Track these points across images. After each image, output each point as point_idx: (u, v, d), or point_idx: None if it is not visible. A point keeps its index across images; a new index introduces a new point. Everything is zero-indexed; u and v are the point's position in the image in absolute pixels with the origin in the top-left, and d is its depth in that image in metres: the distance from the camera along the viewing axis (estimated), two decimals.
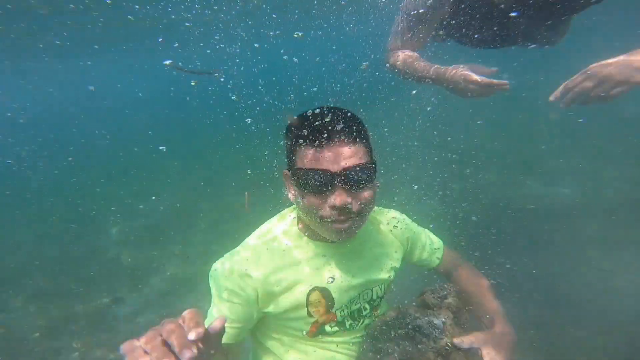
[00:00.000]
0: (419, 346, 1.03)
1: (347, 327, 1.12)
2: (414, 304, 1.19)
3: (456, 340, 1.02)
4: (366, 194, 0.92)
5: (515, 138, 5.85)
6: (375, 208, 1.21)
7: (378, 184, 0.98)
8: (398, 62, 1.71)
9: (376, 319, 1.17)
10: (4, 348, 3.09)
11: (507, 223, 3.52)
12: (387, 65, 1.80)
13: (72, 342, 3.09)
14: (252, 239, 1.11)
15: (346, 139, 0.88)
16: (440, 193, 4.14)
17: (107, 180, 7.30)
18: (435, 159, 4.63)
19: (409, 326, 1.07)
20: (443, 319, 1.07)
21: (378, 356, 1.06)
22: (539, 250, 3.15)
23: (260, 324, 1.13)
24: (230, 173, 6.09)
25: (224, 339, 0.93)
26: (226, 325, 0.84)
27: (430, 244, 1.28)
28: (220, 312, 1.02)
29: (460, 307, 1.15)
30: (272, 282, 1.02)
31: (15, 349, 3.08)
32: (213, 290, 1.06)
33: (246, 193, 4.35)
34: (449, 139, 5.28)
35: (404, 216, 1.27)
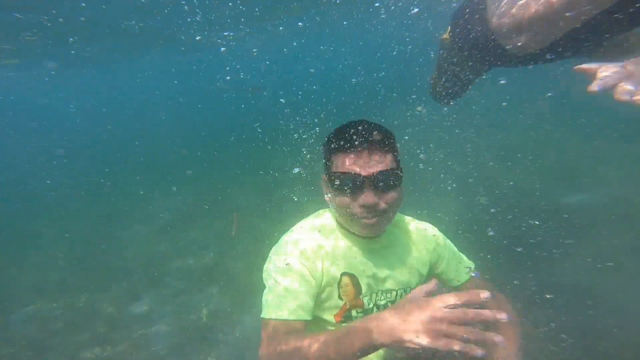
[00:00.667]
0: (453, 354, 1.04)
1: None
2: None
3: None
4: (392, 195, 1.05)
5: (546, 143, 5.68)
6: (410, 219, 1.34)
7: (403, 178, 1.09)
8: (523, 18, 1.23)
9: None
10: (25, 343, 3.17)
11: (535, 230, 3.45)
12: (509, 40, 1.34)
13: (93, 338, 3.16)
14: (297, 228, 1.25)
15: (376, 148, 1.03)
16: (468, 198, 4.07)
17: (128, 181, 7.46)
18: (471, 159, 4.56)
19: None
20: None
21: (406, 356, 1.08)
22: (566, 258, 3.05)
23: None
24: (246, 175, 6.15)
25: (292, 316, 1.03)
26: (295, 302, 1.04)
27: (458, 263, 1.32)
28: (286, 287, 1.08)
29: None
30: (315, 264, 1.15)
31: (39, 343, 3.16)
32: (272, 273, 1.14)
33: (234, 215, 4.30)
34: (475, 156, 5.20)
35: (437, 230, 1.35)
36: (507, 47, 1.42)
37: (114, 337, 3.13)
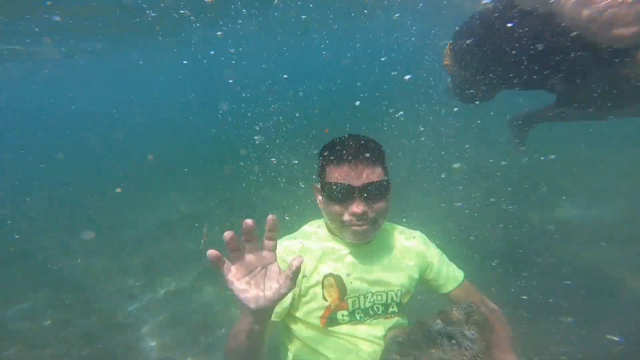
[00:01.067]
0: (450, 354, 1.04)
1: (358, 318, 1.24)
2: (437, 320, 1.18)
3: None
4: (380, 205, 1.14)
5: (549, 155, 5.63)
6: (400, 227, 1.40)
7: (392, 183, 1.18)
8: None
9: (397, 329, 1.22)
10: (18, 339, 3.15)
11: (533, 243, 3.44)
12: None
13: (85, 335, 3.13)
14: (290, 236, 1.36)
15: (367, 161, 1.11)
16: (467, 211, 4.04)
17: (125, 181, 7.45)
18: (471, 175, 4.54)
19: (439, 335, 1.08)
20: (473, 332, 1.09)
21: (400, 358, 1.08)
22: (564, 270, 3.02)
23: (286, 319, 1.29)
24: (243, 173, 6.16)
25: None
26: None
27: (448, 269, 1.36)
28: None
29: (485, 326, 1.15)
30: (304, 265, 1.21)
31: (31, 340, 3.14)
32: None
33: (205, 225, 4.17)
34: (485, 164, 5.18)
35: (426, 237, 1.41)
36: (602, 40, 1.38)
37: (106, 335, 3.10)
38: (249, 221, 0.84)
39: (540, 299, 2.59)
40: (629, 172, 4.61)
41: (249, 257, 0.88)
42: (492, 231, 3.58)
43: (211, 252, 0.83)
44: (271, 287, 0.87)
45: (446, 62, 2.24)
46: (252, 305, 0.85)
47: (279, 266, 0.90)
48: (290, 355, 1.29)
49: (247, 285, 0.86)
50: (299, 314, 1.24)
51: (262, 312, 0.88)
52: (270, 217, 0.87)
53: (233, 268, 0.87)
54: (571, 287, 2.77)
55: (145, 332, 3.13)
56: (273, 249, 0.90)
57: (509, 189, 4.49)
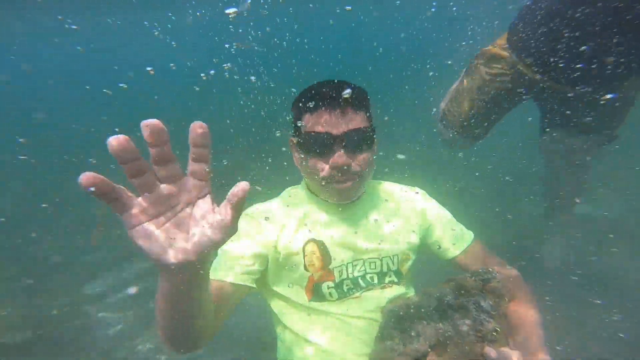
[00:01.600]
0: (460, 329, 0.84)
1: (345, 290, 1.07)
2: (446, 289, 0.99)
3: (486, 350, 0.87)
4: (364, 156, 1.00)
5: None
6: (393, 183, 1.24)
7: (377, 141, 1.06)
8: None
9: (397, 301, 1.04)
10: None
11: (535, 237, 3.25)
12: None
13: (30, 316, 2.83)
14: (268, 201, 1.21)
15: (348, 106, 0.96)
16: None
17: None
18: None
19: (449, 307, 0.90)
20: (491, 302, 0.90)
21: (404, 337, 0.87)
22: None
23: (268, 297, 1.15)
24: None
25: (229, 277, 0.96)
26: (238, 262, 0.99)
27: (454, 230, 1.18)
28: (237, 245, 1.03)
29: (504, 295, 0.96)
30: (280, 229, 1.08)
31: None
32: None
33: (98, 224, 3.82)
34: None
35: (426, 193, 1.24)
36: None
37: (56, 317, 2.80)
38: (151, 121, 0.49)
39: (545, 292, 2.40)
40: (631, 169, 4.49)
41: (166, 187, 0.55)
42: (493, 224, 3.39)
43: (87, 176, 0.47)
44: (198, 231, 0.56)
45: (500, 44, 1.98)
46: (169, 259, 0.54)
47: (213, 202, 0.59)
48: (279, 344, 1.16)
49: (158, 230, 0.54)
50: (280, 289, 1.08)
51: (187, 269, 0.57)
52: (195, 124, 0.53)
53: (138, 203, 0.54)
54: (576, 282, 2.64)
55: (101, 316, 2.85)
56: (204, 177, 0.57)
57: (510, 178, 4.33)
